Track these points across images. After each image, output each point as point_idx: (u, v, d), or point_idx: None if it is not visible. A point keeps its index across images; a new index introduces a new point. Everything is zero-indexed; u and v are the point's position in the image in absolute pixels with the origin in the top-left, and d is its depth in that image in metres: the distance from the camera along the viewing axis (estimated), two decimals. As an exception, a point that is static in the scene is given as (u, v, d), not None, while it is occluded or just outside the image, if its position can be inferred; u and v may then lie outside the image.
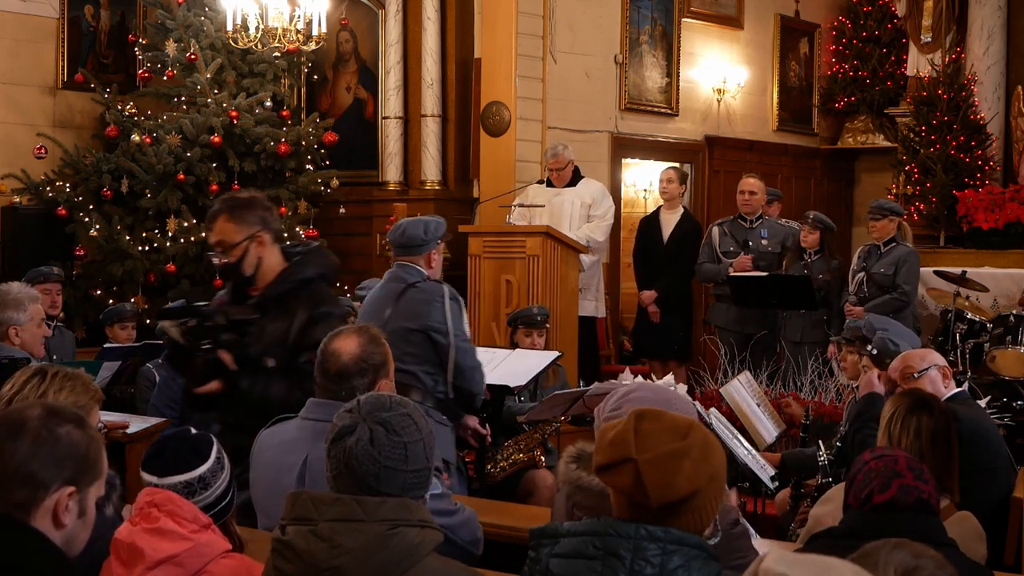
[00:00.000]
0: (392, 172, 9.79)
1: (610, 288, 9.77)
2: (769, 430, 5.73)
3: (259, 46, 8.35)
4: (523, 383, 5.54)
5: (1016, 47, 11.29)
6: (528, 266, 7.36)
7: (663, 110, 10.92)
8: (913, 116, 11.47)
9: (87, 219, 8.57)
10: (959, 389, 4.37)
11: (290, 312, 3.96)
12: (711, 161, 11.35)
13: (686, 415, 2.49)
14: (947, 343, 7.64)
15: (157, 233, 8.54)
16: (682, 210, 8.98)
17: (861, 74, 12.28)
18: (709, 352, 8.52)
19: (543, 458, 5.55)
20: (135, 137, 8.61)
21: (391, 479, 2.39)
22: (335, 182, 9.17)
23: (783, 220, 8.70)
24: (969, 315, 7.86)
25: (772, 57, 12.05)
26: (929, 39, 11.55)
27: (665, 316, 8.69)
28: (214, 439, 2.83)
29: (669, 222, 8.83)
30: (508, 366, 5.59)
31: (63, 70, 9.40)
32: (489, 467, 5.40)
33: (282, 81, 9.45)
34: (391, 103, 9.78)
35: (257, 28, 8.07)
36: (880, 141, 12.35)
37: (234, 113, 8.63)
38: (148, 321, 7.86)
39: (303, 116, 9.78)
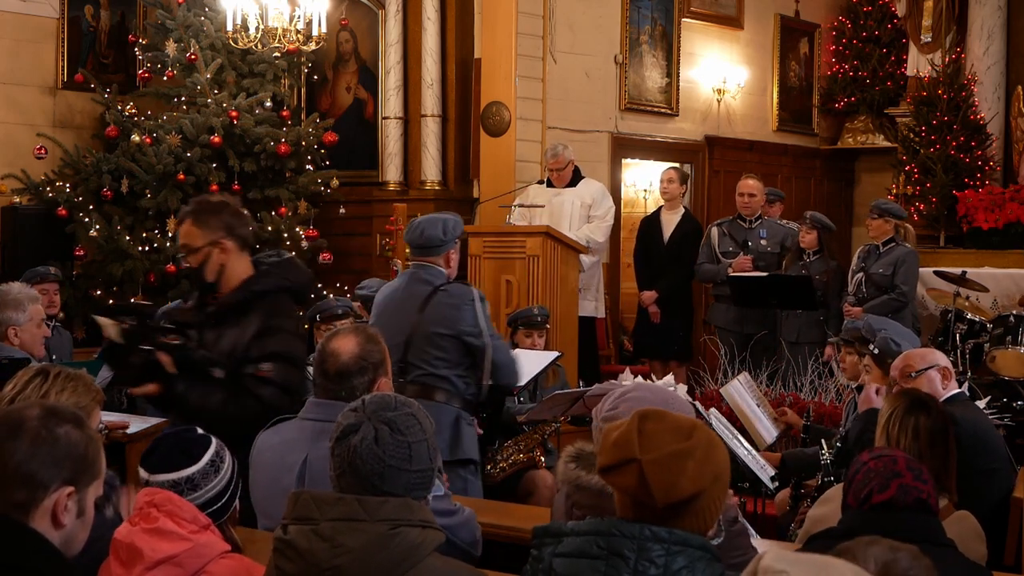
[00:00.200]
0: (392, 172, 9.79)
1: (610, 288, 9.77)
2: (769, 430, 5.73)
3: (259, 46, 8.35)
4: (523, 383, 5.54)
5: (1016, 47, 11.28)
6: (528, 266, 7.35)
7: (663, 110, 10.92)
8: (913, 116, 11.45)
9: (87, 219, 8.57)
10: (958, 390, 4.36)
11: (244, 323, 3.85)
12: (711, 161, 11.35)
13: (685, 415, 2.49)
14: (947, 343, 7.63)
15: (157, 233, 8.54)
16: (683, 210, 8.97)
17: (861, 74, 12.28)
18: (709, 352, 8.52)
19: (543, 458, 5.55)
20: (135, 137, 8.61)
21: (395, 479, 2.40)
22: (335, 182, 9.17)
23: (782, 220, 8.69)
24: (969, 315, 7.85)
25: (772, 57, 12.05)
26: (929, 39, 11.54)
27: (665, 316, 8.69)
28: (214, 441, 2.82)
29: (670, 222, 8.83)
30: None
31: (63, 70, 9.41)
32: (489, 467, 5.39)
33: (282, 81, 9.45)
34: (391, 103, 9.78)
35: (257, 28, 8.07)
36: (880, 141, 12.34)
37: (234, 113, 8.63)
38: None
39: (303, 116, 9.78)
